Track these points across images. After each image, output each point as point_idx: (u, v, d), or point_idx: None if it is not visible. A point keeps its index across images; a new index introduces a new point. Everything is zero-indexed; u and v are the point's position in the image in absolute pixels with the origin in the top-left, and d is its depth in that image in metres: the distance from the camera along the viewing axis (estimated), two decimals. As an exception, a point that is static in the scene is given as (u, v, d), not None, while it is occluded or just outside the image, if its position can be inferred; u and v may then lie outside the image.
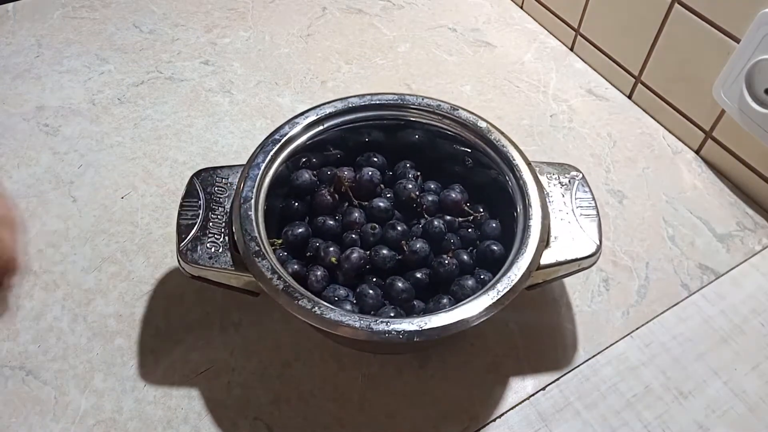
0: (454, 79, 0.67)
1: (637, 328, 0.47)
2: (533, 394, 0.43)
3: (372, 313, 0.40)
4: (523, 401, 0.43)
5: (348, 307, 0.40)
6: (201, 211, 0.42)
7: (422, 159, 0.49)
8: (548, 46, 0.72)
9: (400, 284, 0.41)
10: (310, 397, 0.43)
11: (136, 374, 0.44)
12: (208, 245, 0.40)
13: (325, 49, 0.70)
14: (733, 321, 0.47)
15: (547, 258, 0.40)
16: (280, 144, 0.44)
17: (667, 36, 0.58)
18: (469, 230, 0.46)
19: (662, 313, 0.48)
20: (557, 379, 0.44)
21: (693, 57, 0.57)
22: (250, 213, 0.40)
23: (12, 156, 0.57)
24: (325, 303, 0.37)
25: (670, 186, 0.57)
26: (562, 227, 0.42)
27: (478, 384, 0.44)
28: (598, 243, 0.41)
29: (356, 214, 0.45)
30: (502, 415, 0.42)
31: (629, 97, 0.66)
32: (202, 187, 0.43)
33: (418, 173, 0.49)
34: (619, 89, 0.66)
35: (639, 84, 0.64)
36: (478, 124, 0.46)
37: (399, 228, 0.44)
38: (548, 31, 0.74)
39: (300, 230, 0.44)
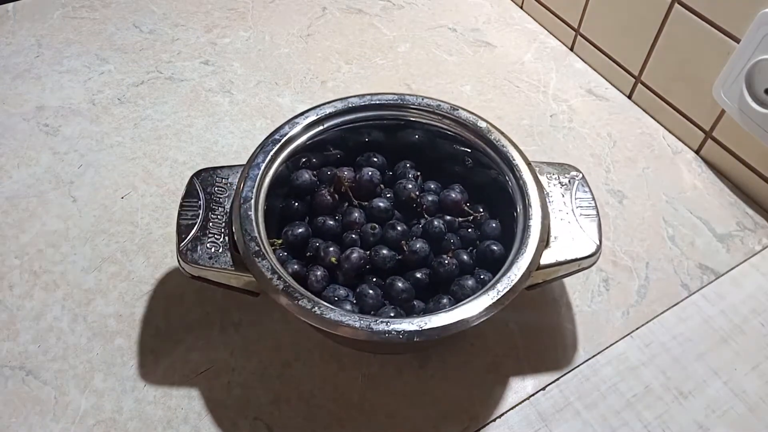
0: (454, 79, 0.67)
1: (637, 328, 0.47)
2: (533, 394, 0.43)
3: (372, 313, 0.40)
4: (523, 401, 0.43)
5: (348, 307, 0.40)
6: (201, 211, 0.42)
7: (422, 159, 0.49)
8: (548, 46, 0.72)
9: (400, 284, 0.41)
10: (310, 397, 0.43)
11: (136, 374, 0.44)
12: (208, 245, 0.40)
13: (325, 49, 0.70)
14: (733, 321, 0.47)
15: (547, 258, 0.40)
16: (280, 144, 0.44)
17: (667, 36, 0.58)
18: (469, 230, 0.46)
19: (662, 313, 0.48)
20: (557, 379, 0.44)
21: (693, 57, 0.57)
22: (250, 213, 0.40)
23: (12, 156, 0.57)
24: (325, 303, 0.37)
25: (670, 186, 0.57)
26: (562, 227, 0.42)
27: (478, 384, 0.44)
28: (598, 243, 0.41)
29: (356, 214, 0.45)
30: (502, 415, 0.42)
31: (629, 97, 0.66)
32: (202, 187, 0.43)
33: (418, 173, 0.49)
34: (619, 89, 0.66)
35: (639, 84, 0.64)
36: (478, 124, 0.46)
37: (399, 228, 0.44)
38: (548, 31, 0.74)
39: (300, 230, 0.44)
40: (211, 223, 0.41)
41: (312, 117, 0.46)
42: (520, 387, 0.44)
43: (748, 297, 0.49)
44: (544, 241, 0.40)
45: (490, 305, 0.36)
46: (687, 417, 0.42)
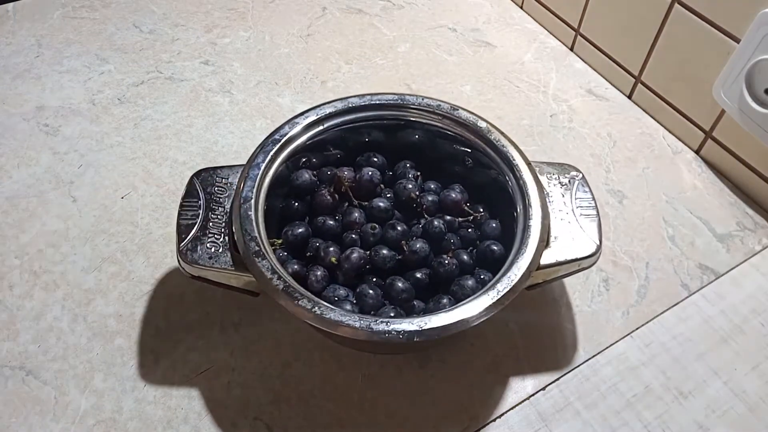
0: (454, 79, 0.67)
1: (637, 328, 0.47)
2: (533, 394, 0.43)
3: (372, 313, 0.40)
4: (523, 401, 0.43)
5: (348, 307, 0.40)
6: (201, 211, 0.42)
7: (422, 159, 0.49)
8: (548, 46, 0.72)
9: (400, 284, 0.41)
10: (310, 397, 0.43)
11: (136, 374, 0.44)
12: (208, 245, 0.40)
13: (325, 49, 0.70)
14: (733, 321, 0.47)
15: (547, 258, 0.40)
16: (280, 144, 0.44)
17: (667, 36, 0.58)
18: (469, 230, 0.46)
19: (662, 313, 0.48)
20: (557, 379, 0.44)
21: (693, 57, 0.57)
22: (250, 213, 0.40)
23: (12, 156, 0.57)
24: (325, 303, 0.37)
25: (670, 186, 0.57)
26: (562, 227, 0.42)
27: (478, 384, 0.44)
28: (598, 243, 0.41)
29: (356, 214, 0.45)
30: (502, 415, 0.42)
31: (629, 97, 0.66)
32: (202, 187, 0.43)
33: (418, 173, 0.49)
34: (619, 89, 0.66)
35: (639, 84, 0.64)
36: (478, 124, 0.46)
37: (399, 228, 0.44)
38: (548, 31, 0.74)
39: (300, 230, 0.44)
40: (211, 223, 0.41)
41: (312, 117, 0.46)
42: (520, 387, 0.44)
43: (748, 297, 0.49)
44: (544, 241, 0.40)
45: (490, 305, 0.36)
46: (687, 417, 0.42)
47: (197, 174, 0.44)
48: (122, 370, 0.44)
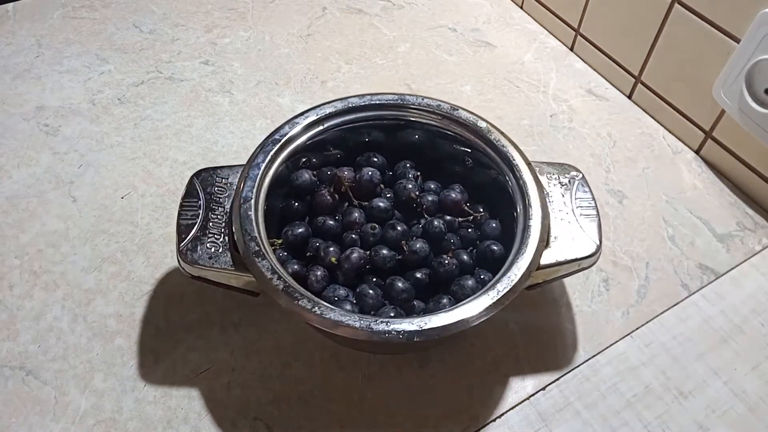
0: (454, 79, 0.67)
1: (637, 328, 0.47)
2: (533, 394, 0.43)
3: (372, 313, 0.40)
4: (523, 401, 0.43)
5: (348, 307, 0.40)
6: (201, 211, 0.42)
7: (422, 159, 0.49)
8: (548, 46, 0.72)
9: (400, 284, 0.41)
10: (310, 397, 0.43)
11: (136, 374, 0.44)
12: (208, 245, 0.40)
13: (325, 49, 0.70)
14: (733, 321, 0.47)
15: (547, 258, 0.40)
16: (280, 144, 0.44)
17: (667, 36, 0.58)
18: (469, 230, 0.46)
19: (662, 313, 0.48)
20: (557, 379, 0.44)
21: (693, 57, 0.57)
22: (250, 213, 0.40)
23: (12, 156, 0.57)
24: (325, 303, 0.37)
25: (670, 186, 0.57)
26: (562, 227, 0.42)
27: (478, 384, 0.44)
28: (598, 243, 0.41)
29: (356, 214, 0.45)
30: (502, 415, 0.42)
31: (629, 97, 0.66)
32: (202, 187, 0.43)
33: (418, 173, 0.49)
34: (619, 89, 0.66)
35: (639, 84, 0.64)
36: (478, 124, 0.46)
37: (399, 228, 0.44)
38: (548, 31, 0.74)
39: (300, 230, 0.44)
40: (211, 223, 0.41)
41: (312, 117, 0.46)
42: (520, 387, 0.44)
43: (748, 297, 0.49)
44: (544, 241, 0.40)
45: (490, 305, 0.36)
46: (687, 417, 0.42)
47: (197, 174, 0.44)
48: (122, 370, 0.44)
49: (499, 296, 0.37)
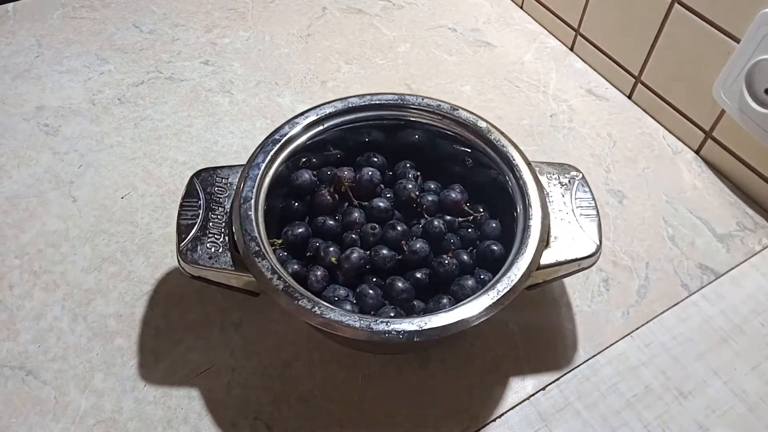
0: (454, 79, 0.67)
1: (637, 328, 0.47)
2: (533, 394, 0.43)
3: (372, 313, 0.40)
4: (523, 401, 0.43)
5: (348, 307, 0.40)
6: (201, 211, 0.42)
7: (422, 159, 0.49)
8: (548, 46, 0.72)
9: (400, 284, 0.41)
10: (310, 397, 0.43)
11: (136, 374, 0.44)
12: (208, 245, 0.40)
13: (325, 49, 0.70)
14: (733, 321, 0.47)
15: (547, 258, 0.40)
16: (280, 144, 0.44)
17: (667, 36, 0.58)
18: (469, 230, 0.46)
19: (662, 313, 0.48)
20: (557, 379, 0.44)
21: (693, 57, 0.57)
22: (250, 213, 0.40)
23: (12, 156, 0.57)
24: (325, 303, 0.37)
25: (670, 186, 0.57)
26: (562, 227, 0.42)
27: (478, 384, 0.44)
28: (598, 243, 0.41)
29: (356, 214, 0.45)
30: (502, 415, 0.42)
31: (629, 97, 0.66)
32: (202, 187, 0.43)
33: (418, 173, 0.49)
34: (619, 89, 0.66)
35: (639, 84, 0.64)
36: (478, 124, 0.46)
37: (399, 228, 0.44)
38: (548, 31, 0.74)
39: (300, 230, 0.44)
40: (211, 223, 0.41)
41: (312, 117, 0.46)
42: (520, 387, 0.44)
43: (748, 297, 0.49)
44: (544, 241, 0.40)
45: (490, 305, 0.36)
46: (687, 417, 0.42)
47: (197, 174, 0.44)
48: (122, 370, 0.44)
49: (499, 296, 0.37)
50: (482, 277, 0.43)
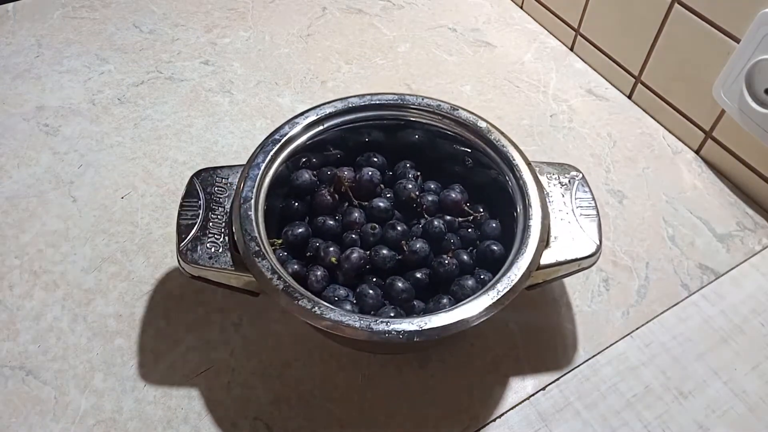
0: (454, 79, 0.67)
1: (637, 328, 0.47)
2: (533, 394, 0.43)
3: (372, 313, 0.40)
4: (523, 401, 0.43)
5: (348, 307, 0.40)
6: (201, 211, 0.42)
7: (422, 159, 0.49)
8: (548, 46, 0.72)
9: (400, 284, 0.41)
10: (310, 397, 0.43)
11: (136, 374, 0.44)
12: (208, 245, 0.40)
13: (325, 49, 0.70)
14: (733, 321, 0.47)
15: (547, 258, 0.40)
16: (280, 144, 0.44)
17: (667, 36, 0.58)
18: (469, 230, 0.46)
19: (662, 313, 0.48)
20: (557, 379, 0.44)
21: (693, 57, 0.57)
22: (250, 213, 0.40)
23: (12, 156, 0.57)
24: (325, 303, 0.37)
25: (670, 186, 0.57)
26: (562, 227, 0.42)
27: (478, 384, 0.44)
28: (598, 243, 0.41)
29: (356, 214, 0.45)
30: (502, 415, 0.42)
31: (629, 97, 0.66)
32: (202, 187, 0.43)
33: (418, 173, 0.49)
34: (619, 89, 0.66)
35: (639, 84, 0.64)
36: (478, 124, 0.46)
37: (399, 228, 0.44)
38: (548, 31, 0.74)
39: (300, 230, 0.44)
40: (211, 223, 0.41)
41: (312, 117, 0.46)
42: (520, 387, 0.44)
43: (748, 297, 0.49)
44: (544, 241, 0.40)
45: (490, 305, 0.36)
46: (687, 417, 0.42)
47: (197, 174, 0.44)
48: (122, 370, 0.44)
49: (499, 296, 0.37)
50: (482, 277, 0.43)
